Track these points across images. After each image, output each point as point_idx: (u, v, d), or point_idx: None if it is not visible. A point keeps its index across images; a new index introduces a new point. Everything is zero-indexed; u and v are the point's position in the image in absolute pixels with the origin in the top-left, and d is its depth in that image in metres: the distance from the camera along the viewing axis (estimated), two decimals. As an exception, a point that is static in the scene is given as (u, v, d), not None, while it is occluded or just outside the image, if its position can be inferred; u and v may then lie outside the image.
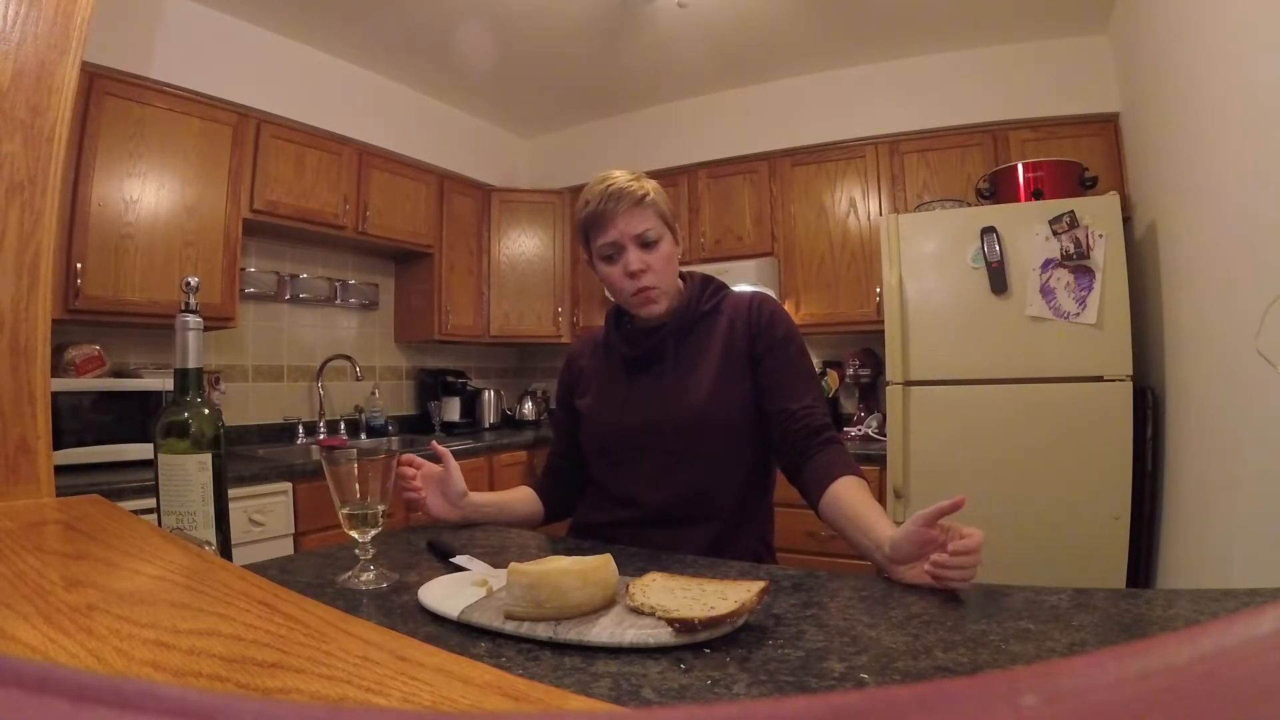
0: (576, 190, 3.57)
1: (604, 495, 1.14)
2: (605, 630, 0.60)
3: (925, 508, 0.75)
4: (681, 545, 1.01)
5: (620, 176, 1.06)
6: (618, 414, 1.12)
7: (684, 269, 1.17)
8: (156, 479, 0.82)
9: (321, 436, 2.81)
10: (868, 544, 0.87)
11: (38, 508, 0.75)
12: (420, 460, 1.10)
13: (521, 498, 1.21)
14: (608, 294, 1.13)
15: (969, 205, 2.47)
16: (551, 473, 1.26)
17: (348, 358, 2.90)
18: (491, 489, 2.73)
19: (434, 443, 1.13)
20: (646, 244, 1.05)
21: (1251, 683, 0.10)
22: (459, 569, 0.85)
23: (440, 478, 1.09)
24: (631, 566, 0.86)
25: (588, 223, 1.07)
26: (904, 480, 2.27)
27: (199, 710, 0.10)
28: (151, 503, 0.83)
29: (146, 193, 2.14)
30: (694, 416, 1.06)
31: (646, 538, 1.03)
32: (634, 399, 1.11)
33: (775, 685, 0.52)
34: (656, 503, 1.07)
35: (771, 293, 2.92)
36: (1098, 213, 2.06)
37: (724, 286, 1.17)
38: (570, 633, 0.60)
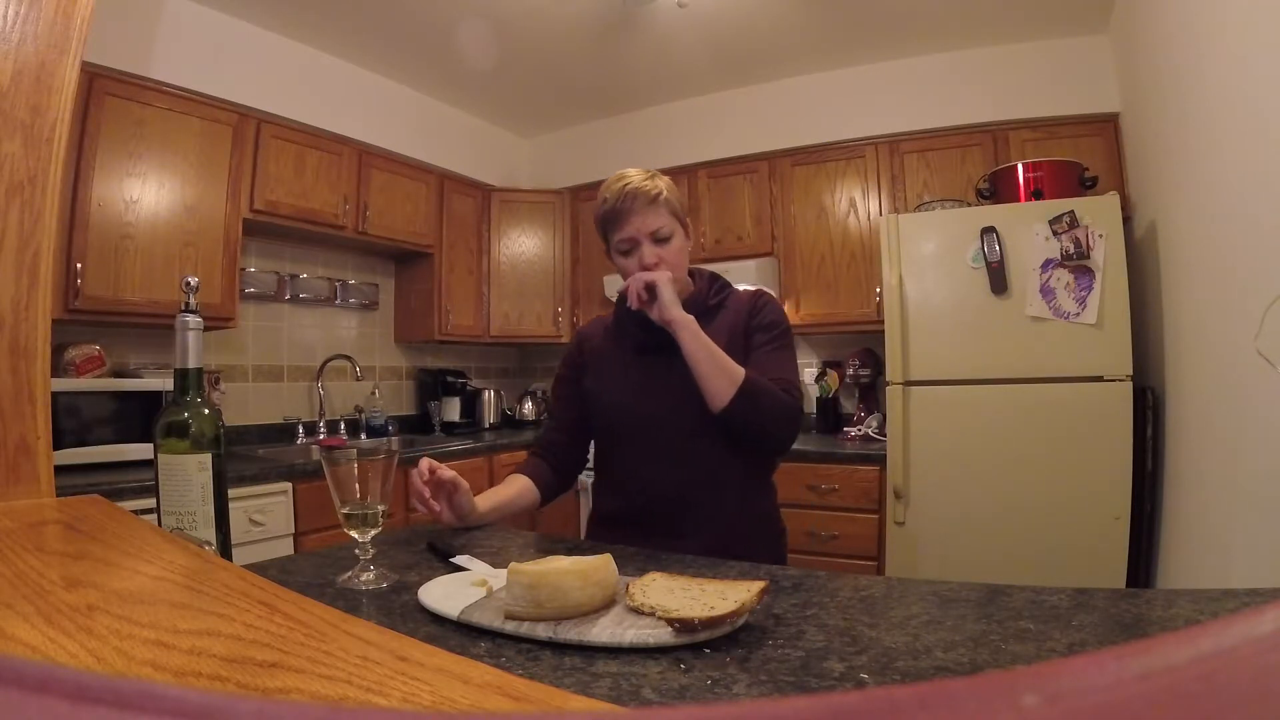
0: (576, 190, 3.59)
1: (617, 480, 1.19)
2: (605, 630, 0.60)
3: None
4: (694, 523, 1.09)
5: (635, 176, 1.13)
6: (630, 397, 1.17)
7: (692, 267, 1.24)
8: (156, 479, 0.82)
9: (321, 436, 2.81)
10: None
11: (38, 508, 0.75)
12: (432, 477, 1.05)
13: (518, 491, 1.20)
14: (621, 280, 1.18)
15: (969, 205, 2.47)
16: (549, 448, 1.27)
17: (348, 358, 2.90)
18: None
19: (433, 470, 1.06)
20: (660, 240, 1.13)
21: (1251, 683, 0.10)
22: (459, 569, 0.85)
23: (449, 494, 1.07)
24: (631, 566, 0.86)
25: (606, 219, 1.15)
26: (904, 480, 2.27)
27: (199, 710, 0.10)
28: (151, 503, 0.83)
29: (146, 193, 2.14)
30: (701, 402, 1.09)
31: (662, 518, 1.10)
32: (646, 383, 1.16)
33: (775, 685, 0.52)
34: (669, 483, 1.12)
35: (772, 292, 2.93)
36: (1098, 213, 2.06)
37: (729, 284, 1.25)
38: (570, 633, 0.60)
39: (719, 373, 1.05)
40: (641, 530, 1.09)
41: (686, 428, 1.11)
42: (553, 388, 1.35)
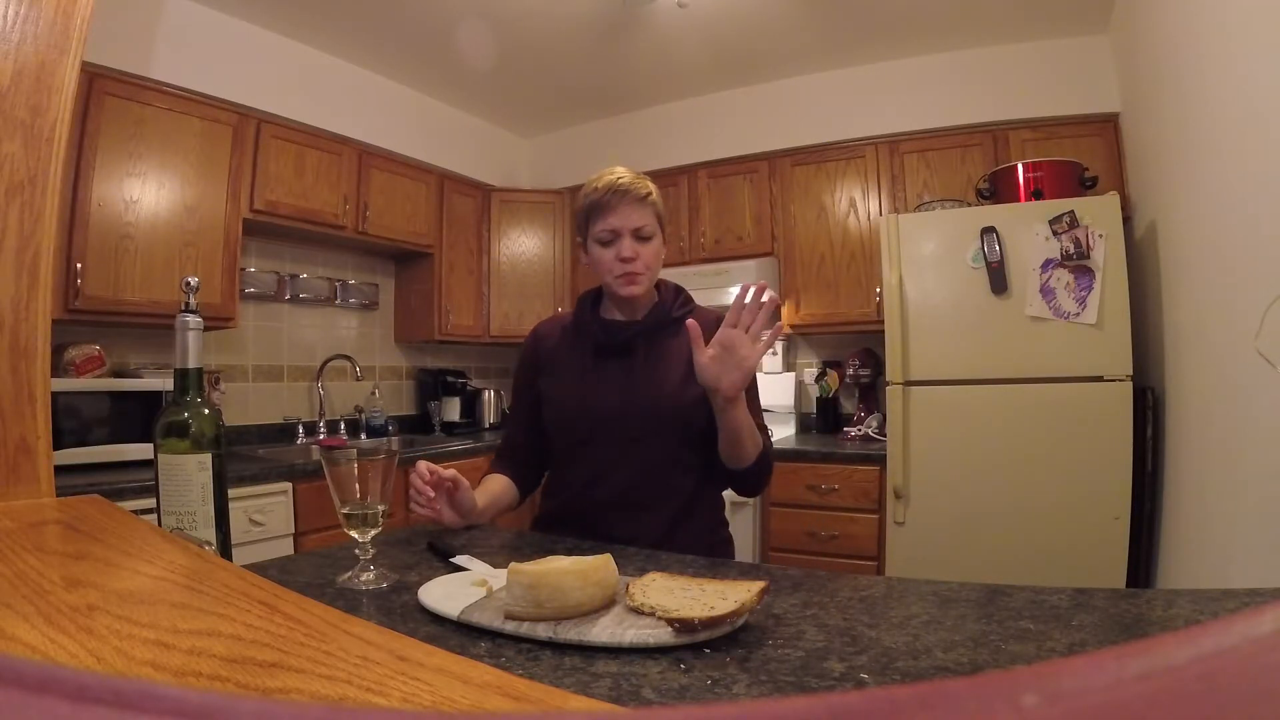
0: (577, 190, 3.55)
1: (568, 480, 1.20)
2: (605, 630, 0.60)
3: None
4: (640, 526, 1.10)
5: (626, 173, 1.15)
6: (586, 399, 1.17)
7: (659, 278, 1.26)
8: (156, 479, 0.82)
9: (321, 436, 2.81)
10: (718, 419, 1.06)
11: (38, 508, 0.75)
12: (433, 477, 1.06)
13: (503, 488, 1.22)
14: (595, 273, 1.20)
15: (969, 205, 2.47)
16: (514, 449, 1.28)
17: (348, 358, 2.90)
18: (491, 489, 2.73)
19: (428, 472, 1.06)
20: (641, 238, 1.14)
21: (1251, 683, 0.10)
22: (459, 569, 0.85)
23: (449, 493, 1.08)
24: (631, 566, 0.86)
25: (591, 208, 1.15)
26: (904, 480, 2.27)
27: (199, 710, 0.10)
28: (151, 503, 0.83)
29: (146, 193, 2.14)
30: (658, 408, 1.13)
31: (609, 519, 1.11)
32: (603, 385, 1.16)
33: (775, 685, 0.52)
34: (618, 485, 1.13)
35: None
36: (1098, 213, 2.06)
37: (691, 299, 1.27)
38: (570, 633, 0.60)
39: (752, 441, 1.09)
40: (588, 531, 1.09)
41: (642, 431, 1.13)
42: (512, 389, 1.35)
